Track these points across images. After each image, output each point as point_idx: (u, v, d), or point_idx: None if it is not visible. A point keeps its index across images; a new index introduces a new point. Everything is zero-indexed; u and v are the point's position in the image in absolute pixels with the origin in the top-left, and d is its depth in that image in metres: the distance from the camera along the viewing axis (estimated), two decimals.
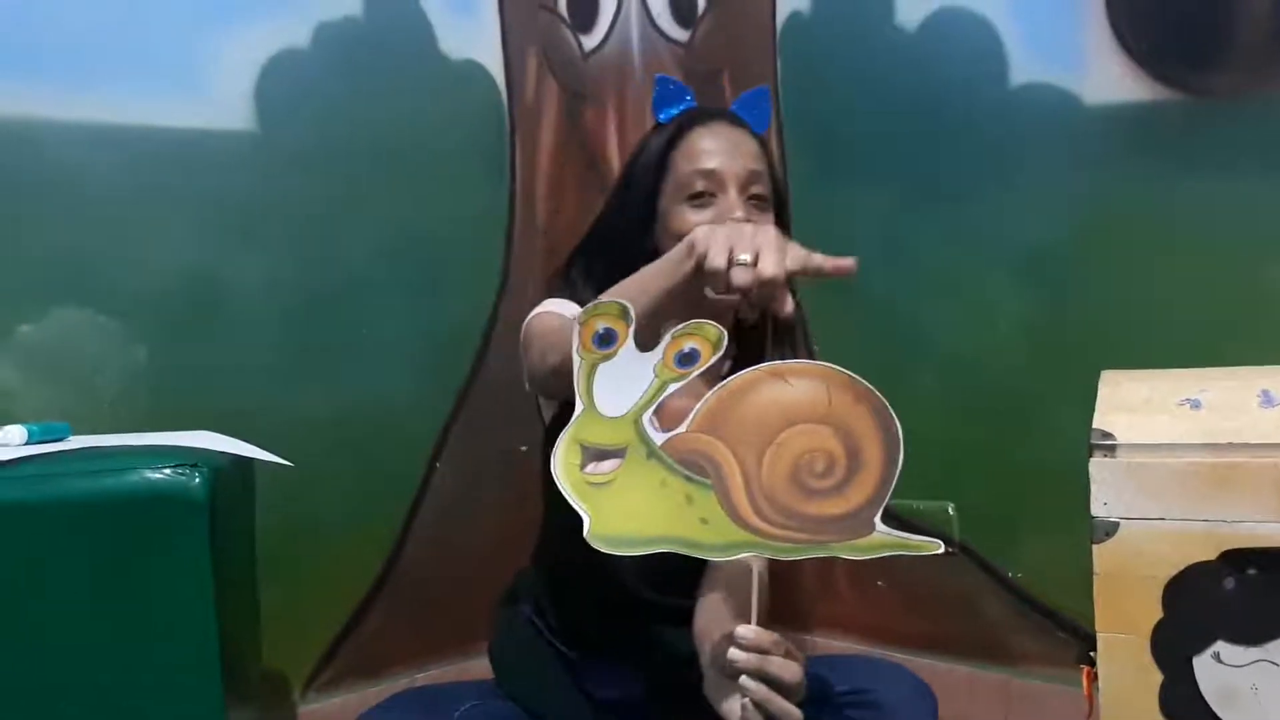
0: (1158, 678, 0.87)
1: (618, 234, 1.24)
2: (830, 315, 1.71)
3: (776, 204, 1.24)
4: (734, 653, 0.90)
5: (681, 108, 1.25)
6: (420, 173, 1.66)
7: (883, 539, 0.83)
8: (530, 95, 1.82)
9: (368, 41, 1.59)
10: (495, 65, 1.75)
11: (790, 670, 0.90)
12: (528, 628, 1.29)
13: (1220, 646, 0.85)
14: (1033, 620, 1.51)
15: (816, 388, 0.83)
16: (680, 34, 1.91)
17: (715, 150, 1.19)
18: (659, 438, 0.83)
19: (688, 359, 0.82)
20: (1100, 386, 0.98)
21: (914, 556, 0.82)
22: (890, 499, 0.83)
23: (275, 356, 1.50)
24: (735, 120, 1.24)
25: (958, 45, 1.52)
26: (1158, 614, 0.86)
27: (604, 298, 0.86)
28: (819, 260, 0.90)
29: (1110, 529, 0.87)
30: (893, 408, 0.84)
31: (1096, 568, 0.88)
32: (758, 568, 0.93)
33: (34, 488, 0.92)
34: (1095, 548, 0.88)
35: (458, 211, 1.71)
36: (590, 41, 1.92)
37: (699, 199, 1.17)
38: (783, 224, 1.26)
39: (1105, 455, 0.88)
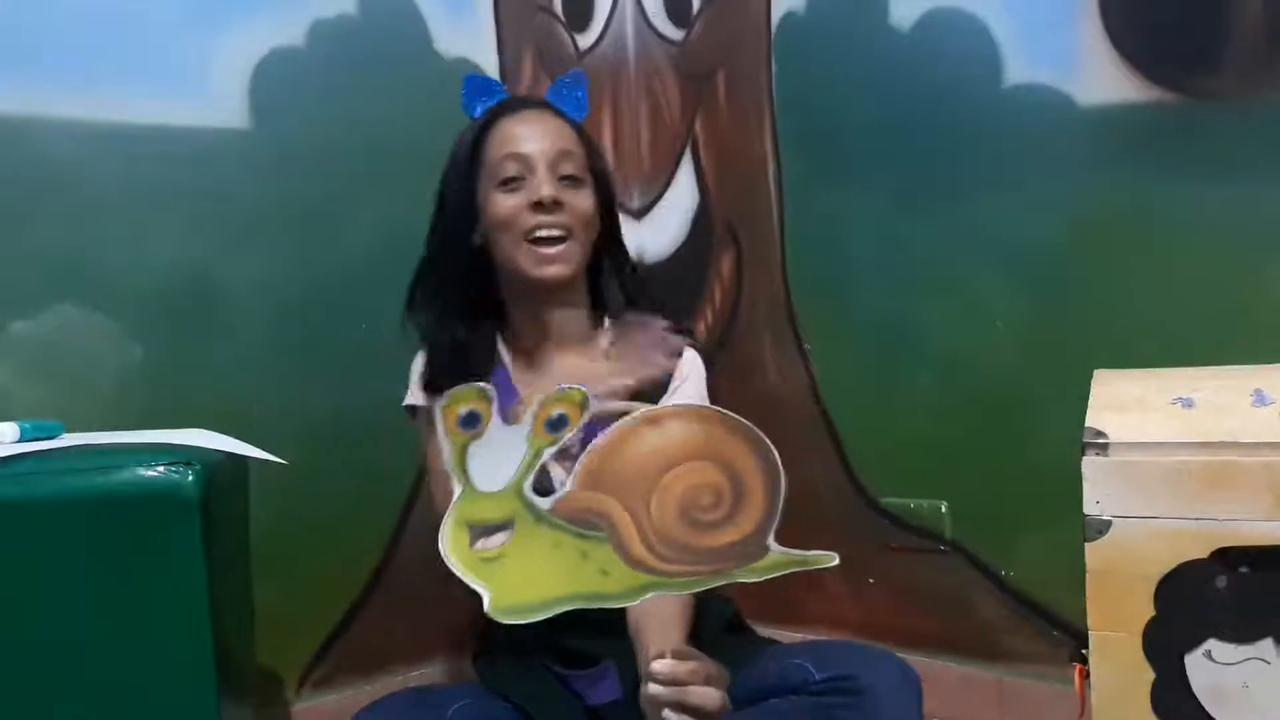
0: (1150, 676, 0.87)
1: (445, 236, 1.25)
2: (826, 316, 1.71)
3: (608, 185, 1.26)
4: (653, 689, 0.91)
5: (492, 100, 1.25)
6: (414, 171, 1.64)
7: (779, 558, 0.84)
8: (525, 94, 1.82)
9: (362, 40, 1.58)
10: (490, 64, 1.75)
11: (710, 698, 0.93)
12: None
13: (1212, 644, 0.86)
14: (1026, 618, 1.51)
15: (691, 428, 0.85)
16: (675, 33, 1.91)
17: (523, 135, 1.20)
18: (544, 503, 0.84)
19: (558, 424, 0.83)
20: (1093, 385, 0.99)
21: (812, 570, 0.84)
22: (778, 520, 0.84)
23: (270, 354, 1.49)
24: (548, 108, 1.25)
25: (951, 46, 1.52)
26: (1150, 612, 0.87)
27: (459, 389, 0.83)
28: None
29: (1103, 527, 0.88)
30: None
31: (1089, 566, 0.89)
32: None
33: (26, 485, 0.92)
34: (1088, 546, 0.88)
35: None
36: (585, 40, 1.92)
37: (510, 183, 1.19)
38: (608, 200, 1.27)
39: (1098, 454, 0.88)
